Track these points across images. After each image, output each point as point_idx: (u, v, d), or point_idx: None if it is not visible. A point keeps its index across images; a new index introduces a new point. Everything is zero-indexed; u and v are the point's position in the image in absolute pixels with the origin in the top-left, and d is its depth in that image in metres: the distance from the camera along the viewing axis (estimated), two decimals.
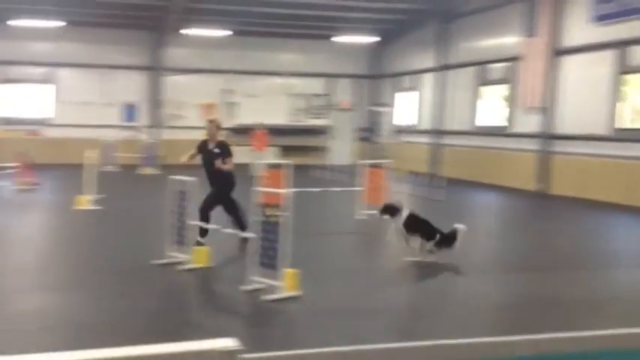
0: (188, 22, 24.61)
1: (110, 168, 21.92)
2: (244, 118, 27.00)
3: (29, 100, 25.71)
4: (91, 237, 11.29)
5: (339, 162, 24.46)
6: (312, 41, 27.77)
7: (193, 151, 10.00)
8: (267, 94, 27.60)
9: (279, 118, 27.38)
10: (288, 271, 7.42)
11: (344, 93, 28.97)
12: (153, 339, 5.90)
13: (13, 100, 25.46)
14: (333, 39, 27.17)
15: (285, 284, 7.38)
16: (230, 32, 25.64)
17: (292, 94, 28.20)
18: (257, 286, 7.57)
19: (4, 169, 16.41)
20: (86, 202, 13.75)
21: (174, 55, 26.33)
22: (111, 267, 8.82)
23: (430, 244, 9.29)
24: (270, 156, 21.94)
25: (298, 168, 13.08)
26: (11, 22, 23.69)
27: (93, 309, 7.01)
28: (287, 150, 25.32)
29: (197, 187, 8.99)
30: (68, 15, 23.71)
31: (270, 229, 7.57)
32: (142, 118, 26.40)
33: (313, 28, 26.28)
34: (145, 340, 5.88)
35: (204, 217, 9.58)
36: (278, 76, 27.80)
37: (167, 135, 26.04)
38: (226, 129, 27.32)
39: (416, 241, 9.40)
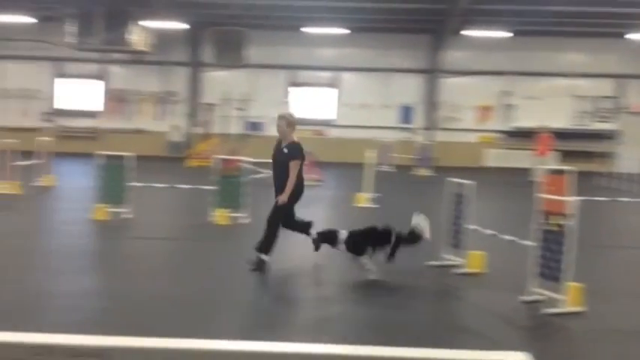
0: (468, 24, 24.35)
1: (386, 168, 22.55)
2: (522, 121, 26.06)
3: (315, 102, 27.54)
4: None
5: (629, 170, 22.36)
6: (602, 40, 25.76)
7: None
8: (548, 96, 26.25)
9: (560, 121, 25.84)
10: (572, 285, 6.87)
11: (636, 95, 26.44)
12: (428, 342, 5.85)
13: (302, 102, 27.47)
14: (627, 36, 24.89)
15: (568, 298, 6.85)
16: (511, 33, 24.84)
17: (576, 96, 26.46)
18: (536, 297, 7.13)
19: None
20: (365, 199, 14.26)
21: (452, 57, 26.26)
22: (387, 266, 8.97)
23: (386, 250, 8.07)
24: (550, 161, 20.79)
25: (581, 175, 12.15)
26: (304, 30, 25.56)
27: (367, 306, 7.15)
28: (568, 155, 23.83)
29: (474, 190, 8.77)
30: (352, 22, 24.91)
31: (552, 238, 7.09)
32: (418, 120, 26.77)
33: (604, 26, 24.31)
34: (420, 343, 5.83)
35: (295, 226, 8.90)
36: (561, 77, 26.28)
37: (442, 137, 26.12)
38: (502, 132, 26.64)
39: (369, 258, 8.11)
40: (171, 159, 24.98)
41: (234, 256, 9.42)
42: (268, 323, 6.38)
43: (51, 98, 26.95)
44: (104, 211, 11.30)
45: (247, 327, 6.25)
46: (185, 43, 26.51)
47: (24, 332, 1.94)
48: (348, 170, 21.72)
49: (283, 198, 8.41)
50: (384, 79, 26.81)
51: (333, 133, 26.89)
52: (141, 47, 24.01)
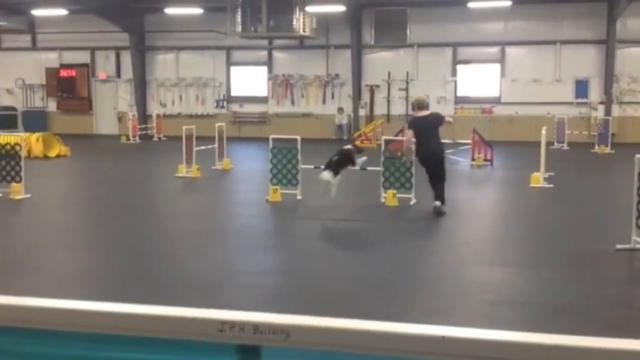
0: None
1: (559, 146, 21.47)
2: None
3: (480, 80, 26.56)
4: (544, 215, 11.09)
5: None
6: None
7: None
8: None
9: None
10: None
11: None
12: (618, 332, 5.43)
13: (467, 80, 26.64)
14: None
15: None
16: None
17: None
18: None
19: (461, 145, 17.40)
20: (539, 179, 13.58)
21: (630, 25, 24.31)
22: (566, 248, 8.50)
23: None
24: None
25: None
26: (470, 5, 24.35)
27: (545, 289, 6.80)
28: None
29: None
30: None
31: None
32: (594, 95, 25.09)
33: None
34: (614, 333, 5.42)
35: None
36: None
37: (620, 112, 24.37)
38: None
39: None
40: (337, 141, 25.34)
41: (405, 237, 9.36)
42: (446, 306, 6.25)
43: (225, 86, 28.28)
44: (277, 193, 11.67)
45: (427, 310, 6.15)
46: (345, 25, 26.55)
47: (208, 308, 2.05)
48: (518, 149, 20.89)
49: None
50: (554, 52, 25.32)
51: (500, 110, 25.84)
52: (304, 32, 24.44)
